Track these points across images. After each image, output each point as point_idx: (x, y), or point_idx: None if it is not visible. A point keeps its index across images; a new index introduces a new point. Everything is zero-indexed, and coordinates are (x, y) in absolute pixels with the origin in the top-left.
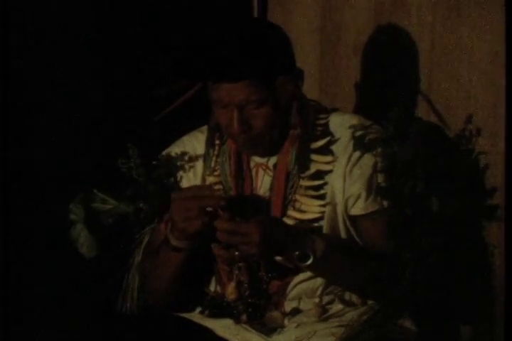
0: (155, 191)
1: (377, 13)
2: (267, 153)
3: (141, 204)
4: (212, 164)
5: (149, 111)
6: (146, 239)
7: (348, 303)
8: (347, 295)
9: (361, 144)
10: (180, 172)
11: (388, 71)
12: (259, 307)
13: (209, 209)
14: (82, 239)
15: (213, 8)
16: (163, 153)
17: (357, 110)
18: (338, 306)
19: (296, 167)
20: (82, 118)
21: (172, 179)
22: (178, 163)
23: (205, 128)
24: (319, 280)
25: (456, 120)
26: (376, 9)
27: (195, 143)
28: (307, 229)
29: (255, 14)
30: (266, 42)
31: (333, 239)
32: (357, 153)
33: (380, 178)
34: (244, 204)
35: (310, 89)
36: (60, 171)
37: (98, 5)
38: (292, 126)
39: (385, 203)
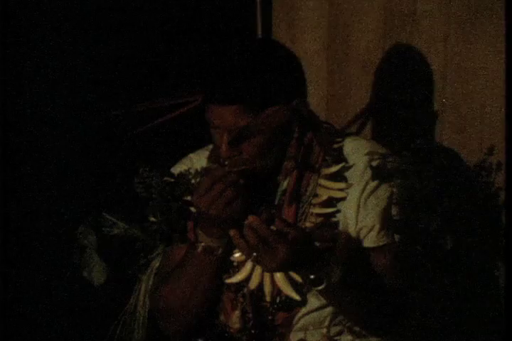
0: (177, 209)
1: (386, 28)
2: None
3: (155, 226)
4: None
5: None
6: (156, 264)
7: (358, 335)
8: (357, 326)
9: (380, 174)
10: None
11: (399, 89)
12: (263, 339)
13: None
14: (92, 265)
15: (216, 26)
16: (172, 170)
17: (366, 130)
18: (347, 337)
19: (307, 194)
20: (89, 136)
21: (189, 198)
22: (194, 181)
23: (211, 146)
24: (327, 311)
25: (469, 140)
26: (386, 25)
27: (202, 160)
28: (328, 249)
29: (259, 31)
30: (265, 69)
31: (352, 265)
32: (373, 183)
33: (395, 211)
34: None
35: (317, 107)
36: (64, 191)
37: (99, 18)
38: (288, 158)
39: (397, 237)
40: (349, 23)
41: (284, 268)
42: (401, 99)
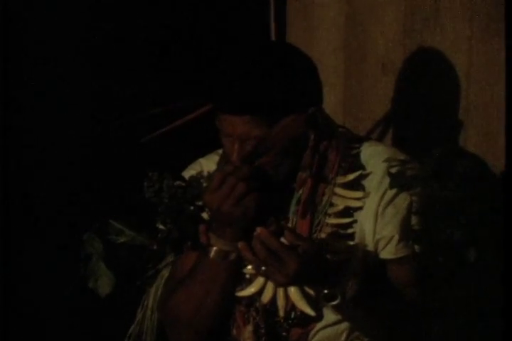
0: (189, 214)
1: (407, 27)
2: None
3: (164, 234)
4: None
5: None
6: (166, 274)
7: None
8: None
9: (399, 181)
10: None
11: (421, 91)
12: None
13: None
14: (98, 274)
15: (228, 25)
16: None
17: (384, 135)
18: None
19: (322, 204)
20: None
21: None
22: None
23: (221, 151)
24: (344, 325)
25: (495, 144)
26: (406, 23)
27: (212, 165)
28: (343, 262)
29: (272, 30)
30: (279, 76)
31: (369, 279)
32: (391, 191)
33: (414, 220)
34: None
35: (333, 111)
36: (71, 200)
37: (106, 17)
38: (302, 168)
39: (417, 248)
40: (367, 21)
41: (294, 283)
42: (422, 101)
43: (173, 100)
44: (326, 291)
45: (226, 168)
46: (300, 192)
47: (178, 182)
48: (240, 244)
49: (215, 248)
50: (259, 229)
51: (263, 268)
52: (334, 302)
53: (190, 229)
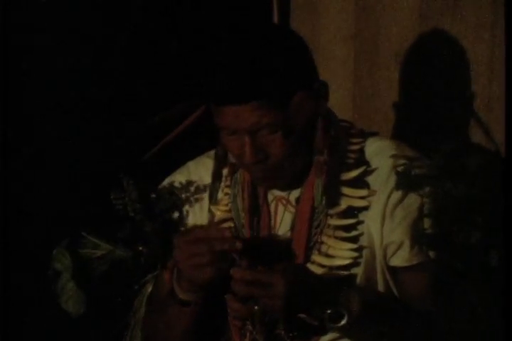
0: (155, 230)
1: (423, 13)
2: (289, 186)
3: (140, 248)
4: (220, 195)
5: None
6: (149, 289)
7: None
8: None
9: (406, 181)
10: (186, 207)
11: (437, 84)
12: None
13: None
14: (68, 293)
15: (229, 12)
16: (165, 182)
17: (398, 132)
18: None
19: (323, 202)
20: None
21: (176, 215)
22: (183, 195)
23: (213, 152)
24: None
25: None
26: (423, 9)
27: (202, 170)
28: (339, 279)
29: (275, 17)
30: (278, 54)
31: (371, 293)
32: (400, 191)
33: (427, 223)
34: (260, 248)
35: (342, 106)
36: (45, 211)
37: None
38: (318, 151)
39: (432, 254)
40: (380, 7)
41: (291, 302)
42: (440, 95)
43: (168, 102)
44: (329, 311)
45: (210, 233)
46: (319, 178)
47: (152, 195)
48: (227, 297)
49: (178, 296)
50: (232, 271)
51: (256, 307)
52: (341, 323)
53: (157, 248)
